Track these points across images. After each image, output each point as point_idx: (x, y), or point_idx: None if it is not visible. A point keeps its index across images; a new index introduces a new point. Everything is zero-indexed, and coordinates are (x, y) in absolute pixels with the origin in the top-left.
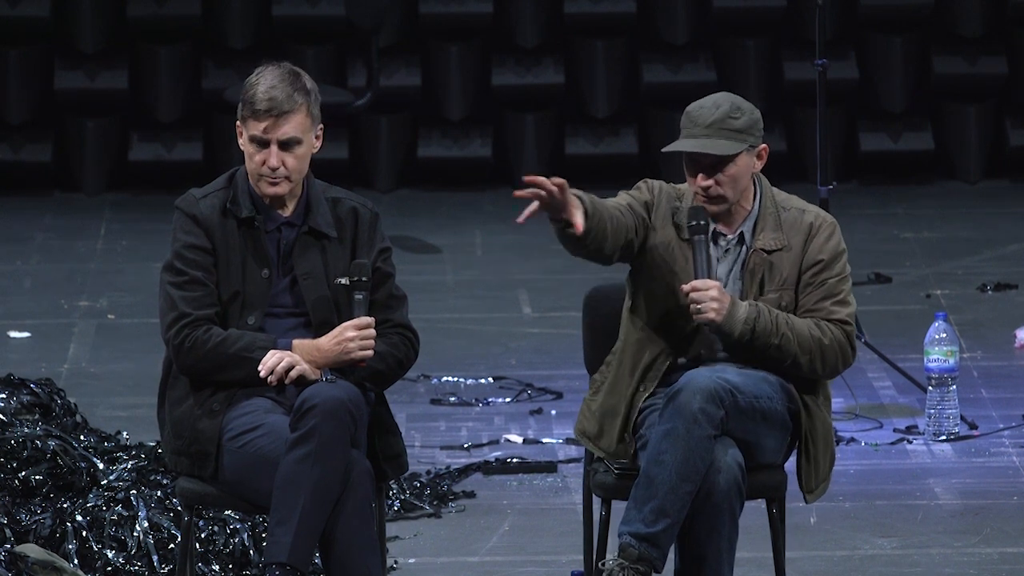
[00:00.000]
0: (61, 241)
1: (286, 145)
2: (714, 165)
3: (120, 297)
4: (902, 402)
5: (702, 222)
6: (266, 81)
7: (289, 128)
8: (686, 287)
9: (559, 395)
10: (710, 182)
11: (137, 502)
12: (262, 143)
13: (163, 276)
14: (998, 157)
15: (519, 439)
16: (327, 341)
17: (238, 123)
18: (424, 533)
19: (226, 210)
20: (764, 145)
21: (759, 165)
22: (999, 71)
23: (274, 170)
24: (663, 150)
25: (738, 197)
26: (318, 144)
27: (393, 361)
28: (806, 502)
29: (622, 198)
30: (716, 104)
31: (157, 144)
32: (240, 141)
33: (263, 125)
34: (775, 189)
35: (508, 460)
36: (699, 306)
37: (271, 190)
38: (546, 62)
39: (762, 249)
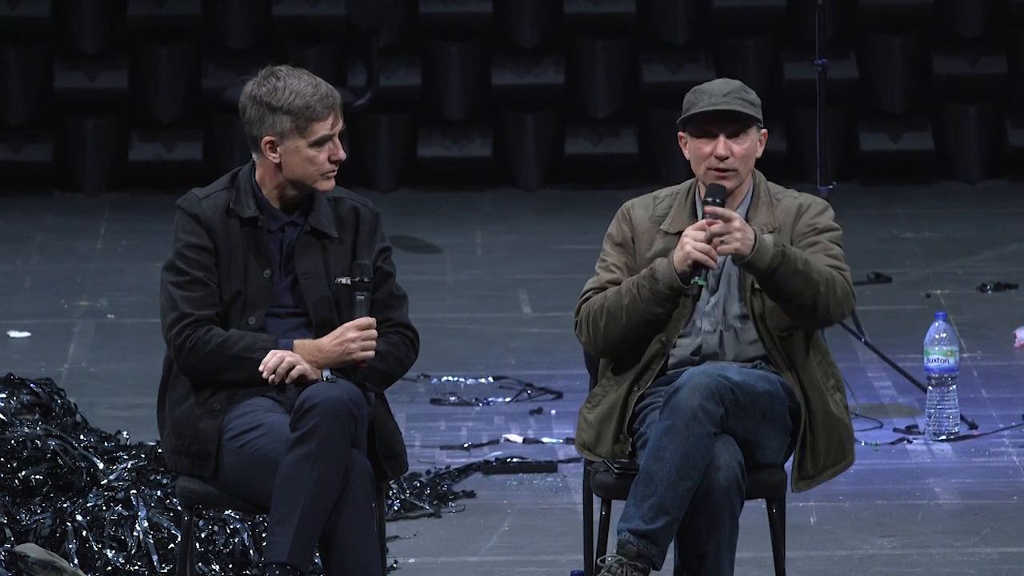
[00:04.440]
0: (61, 241)
1: (340, 136)
2: (733, 134)
3: (120, 297)
4: (902, 402)
5: (718, 199)
6: (300, 82)
7: (342, 118)
8: (715, 227)
9: (559, 395)
10: (727, 151)
11: (137, 502)
12: (327, 140)
13: (164, 276)
14: (998, 157)
15: (519, 439)
16: (328, 341)
17: (271, 139)
18: (424, 533)
19: (229, 210)
20: (765, 131)
21: (760, 150)
22: (999, 71)
23: (339, 162)
24: (686, 115)
25: (744, 178)
26: None
27: (393, 360)
28: (794, 489)
29: (611, 269)
30: (725, 81)
31: (157, 144)
32: (273, 156)
33: (328, 122)
34: (770, 182)
35: (508, 460)
36: (723, 237)
37: (331, 184)
38: (546, 62)
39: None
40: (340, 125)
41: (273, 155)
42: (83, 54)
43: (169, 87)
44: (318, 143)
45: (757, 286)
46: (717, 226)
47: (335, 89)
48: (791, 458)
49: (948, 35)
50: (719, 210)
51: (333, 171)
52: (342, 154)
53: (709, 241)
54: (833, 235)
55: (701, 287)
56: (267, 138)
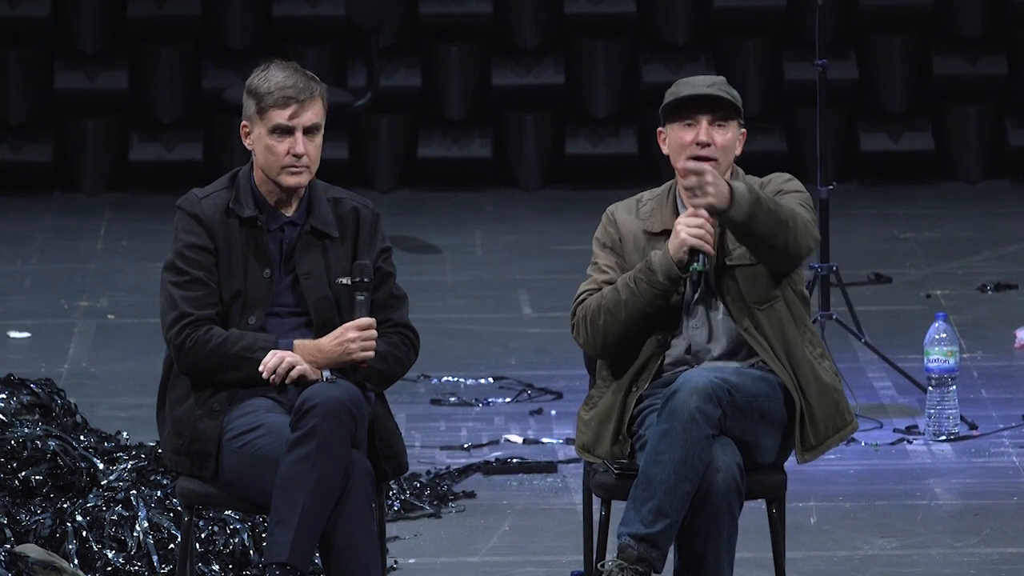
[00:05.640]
0: (61, 241)
1: (307, 132)
2: (715, 122)
3: (120, 297)
4: (902, 402)
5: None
6: (280, 72)
7: (312, 114)
8: (687, 181)
9: (559, 395)
10: (709, 138)
11: (137, 502)
12: (286, 131)
13: (164, 276)
14: (998, 157)
15: (519, 439)
16: (328, 341)
17: (245, 123)
18: (424, 533)
19: (228, 210)
20: (744, 131)
21: (739, 149)
22: (999, 71)
23: (299, 157)
24: (668, 102)
25: (724, 172)
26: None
27: (393, 361)
28: (798, 462)
29: (603, 270)
30: (708, 76)
31: (157, 144)
32: (247, 141)
33: (288, 112)
34: (751, 175)
35: (508, 460)
36: (695, 191)
37: (294, 180)
38: (546, 62)
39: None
40: (306, 120)
41: (247, 141)
42: (83, 54)
43: (169, 87)
44: (276, 131)
45: (729, 262)
46: (690, 180)
47: (322, 88)
48: (790, 458)
49: (948, 35)
50: (691, 164)
51: (294, 166)
52: (299, 148)
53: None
54: (801, 197)
55: (700, 273)
56: (243, 123)
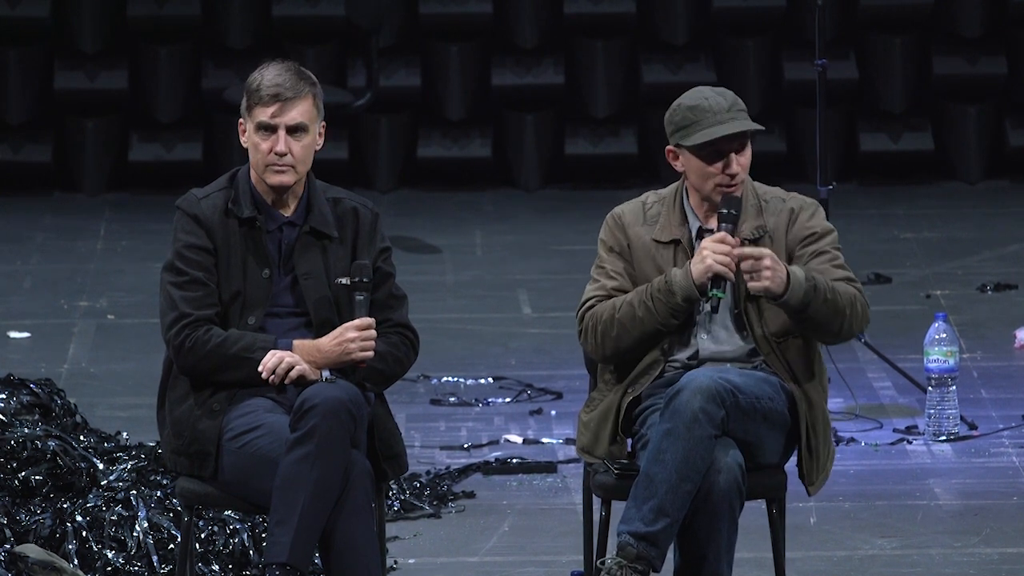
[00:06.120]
0: (61, 241)
1: (293, 131)
2: (741, 148)
3: (120, 297)
4: (902, 402)
5: (733, 211)
6: (272, 70)
7: (296, 114)
8: (744, 265)
9: (559, 395)
10: (739, 167)
11: (137, 502)
12: (269, 129)
13: (164, 276)
14: (998, 157)
15: (519, 439)
16: (328, 341)
17: (240, 120)
18: (424, 533)
19: (227, 210)
20: None
21: None
22: (999, 71)
23: (281, 156)
24: (701, 140)
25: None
26: (320, 141)
27: (393, 361)
28: (809, 495)
29: (611, 276)
30: (718, 92)
31: (157, 144)
32: (243, 139)
33: (271, 110)
34: (756, 182)
35: (508, 460)
36: (752, 273)
37: (278, 179)
38: (546, 62)
39: (744, 239)
40: (289, 119)
41: (243, 139)
42: (83, 54)
43: (169, 87)
44: (260, 128)
45: (754, 292)
46: (747, 264)
47: (315, 88)
48: (791, 459)
49: (948, 35)
50: (747, 249)
51: (277, 164)
52: (281, 147)
53: (728, 255)
54: (833, 238)
55: (720, 299)
56: (240, 120)
